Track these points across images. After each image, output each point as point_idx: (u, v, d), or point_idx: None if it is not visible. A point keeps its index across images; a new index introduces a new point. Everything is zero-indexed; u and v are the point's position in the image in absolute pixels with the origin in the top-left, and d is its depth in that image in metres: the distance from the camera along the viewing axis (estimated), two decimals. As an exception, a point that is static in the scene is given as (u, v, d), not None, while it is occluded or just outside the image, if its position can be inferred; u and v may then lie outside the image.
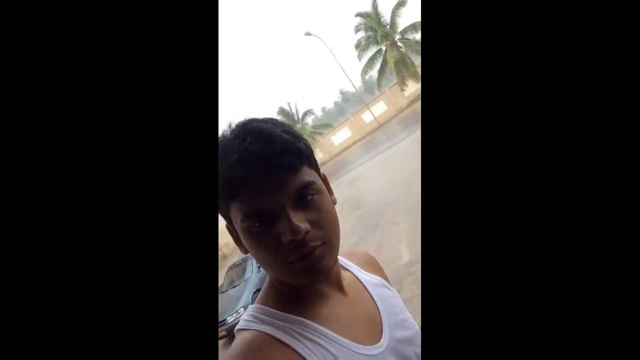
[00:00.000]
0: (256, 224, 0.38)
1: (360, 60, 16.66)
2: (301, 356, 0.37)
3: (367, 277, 0.51)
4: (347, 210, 6.49)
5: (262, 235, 0.38)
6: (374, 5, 15.77)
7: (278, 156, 0.37)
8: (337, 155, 18.25)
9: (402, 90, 16.18)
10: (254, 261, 5.25)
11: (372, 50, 16.36)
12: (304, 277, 0.39)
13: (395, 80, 16.40)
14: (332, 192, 0.44)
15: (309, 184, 0.39)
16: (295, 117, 19.82)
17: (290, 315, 0.40)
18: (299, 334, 0.39)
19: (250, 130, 0.39)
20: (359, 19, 16.32)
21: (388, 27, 15.78)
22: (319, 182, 0.41)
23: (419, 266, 3.02)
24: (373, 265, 0.55)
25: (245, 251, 0.42)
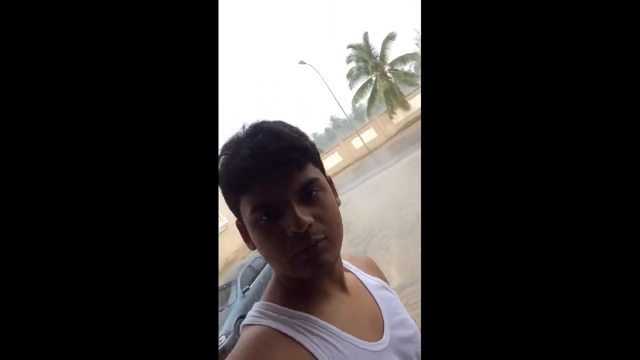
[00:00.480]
0: (263, 217, 0.40)
1: (351, 88, 17.26)
2: (307, 350, 0.38)
3: (369, 280, 0.53)
4: (336, 235, 6.39)
5: (268, 228, 0.40)
6: (365, 38, 16.57)
7: (286, 151, 0.40)
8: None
9: (391, 118, 16.67)
10: (239, 286, 5.07)
11: (363, 79, 17.01)
12: (307, 269, 0.40)
13: (384, 108, 16.93)
14: (337, 194, 0.46)
15: (313, 181, 0.41)
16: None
17: (296, 312, 0.42)
18: (305, 329, 0.40)
19: (262, 128, 0.41)
20: (350, 50, 17.05)
21: (378, 58, 16.51)
22: (324, 180, 0.43)
23: (409, 289, 2.97)
24: (374, 269, 0.57)
25: (253, 247, 0.44)
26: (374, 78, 16.79)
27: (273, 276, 0.47)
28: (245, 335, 0.41)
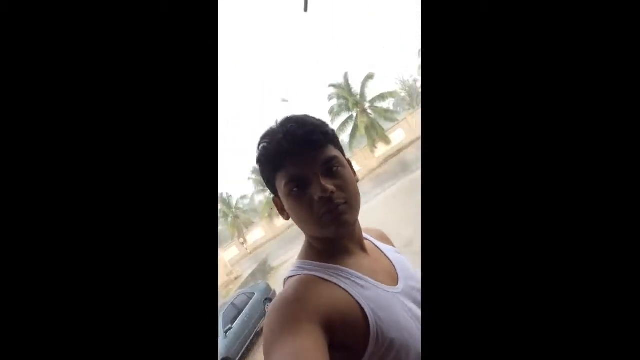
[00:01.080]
0: (295, 189, 0.49)
1: (332, 124, 17.78)
2: (341, 287, 0.48)
3: (383, 245, 0.63)
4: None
5: (299, 196, 0.49)
6: (345, 77, 17.45)
7: (310, 134, 0.49)
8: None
9: (372, 151, 17.18)
10: (221, 325, 4.79)
11: (344, 116, 17.67)
12: (331, 227, 0.49)
13: (365, 143, 17.48)
14: (355, 173, 0.55)
15: (334, 158, 0.51)
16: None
17: (327, 264, 0.51)
18: (336, 274, 0.50)
19: (291, 118, 0.52)
20: (332, 89, 17.85)
21: (358, 96, 17.31)
22: (343, 159, 0.53)
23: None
24: (386, 239, 0.68)
25: (287, 217, 0.54)
26: (354, 114, 17.48)
27: (305, 241, 0.56)
28: (289, 283, 0.50)
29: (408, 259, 0.63)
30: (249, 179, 20.07)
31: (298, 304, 0.44)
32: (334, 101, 17.82)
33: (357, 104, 17.12)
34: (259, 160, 0.52)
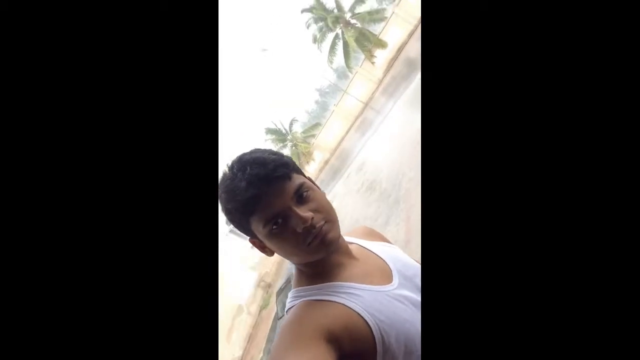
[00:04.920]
0: (274, 227, 0.50)
1: (322, 51, 16.61)
2: (339, 303, 0.49)
3: (370, 244, 0.63)
4: (365, 196, 6.37)
5: (281, 233, 0.50)
6: (315, -4, 15.71)
7: (274, 171, 0.49)
8: (336, 149, 18.22)
9: (372, 62, 16.01)
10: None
11: (330, 37, 16.28)
12: (321, 251, 0.51)
13: (362, 57, 16.25)
14: (318, 187, 0.56)
15: (302, 184, 0.52)
16: (284, 131, 19.87)
17: (319, 284, 0.53)
18: (331, 292, 0.51)
19: (246, 161, 0.51)
20: (306, 14, 16.27)
21: (336, 10, 15.69)
22: (308, 182, 0.54)
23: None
24: (371, 234, 0.69)
25: (271, 253, 0.54)
26: (339, 32, 16.03)
27: (295, 269, 0.57)
28: (289, 314, 0.51)
29: (396, 247, 0.64)
30: (266, 140, 20.06)
31: (299, 327, 0.45)
32: (313, 27, 16.37)
33: (337, 19, 15.60)
34: (227, 211, 0.51)
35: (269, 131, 19.88)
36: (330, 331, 0.44)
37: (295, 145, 19.23)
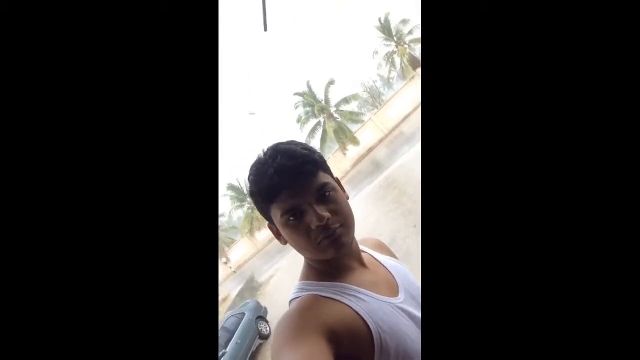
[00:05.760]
0: (291, 218, 0.50)
1: (302, 132, 17.92)
2: (344, 304, 0.49)
3: (380, 256, 0.65)
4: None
5: (296, 226, 0.50)
6: (308, 85, 17.65)
7: (301, 166, 0.50)
8: (291, 223, 18.06)
9: (344, 154, 17.43)
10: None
11: (312, 122, 17.83)
12: (330, 251, 0.51)
13: (336, 146, 17.70)
14: (344, 190, 0.57)
15: (326, 184, 0.52)
16: (245, 191, 19.72)
17: (327, 282, 0.53)
18: (338, 292, 0.51)
19: (279, 150, 0.52)
20: (297, 97, 17.98)
21: (323, 102, 17.55)
22: (333, 182, 0.55)
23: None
24: (383, 248, 0.71)
25: (284, 242, 0.55)
26: (322, 120, 17.68)
27: (304, 262, 0.57)
28: (293, 304, 0.51)
29: (406, 266, 0.66)
30: (224, 195, 19.61)
31: (302, 319, 0.46)
32: (301, 109, 17.96)
33: (322, 109, 17.35)
34: (251, 193, 0.54)
35: (230, 187, 19.65)
36: (332, 329, 0.45)
37: (252, 208, 18.95)
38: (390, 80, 20.12)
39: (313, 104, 17.46)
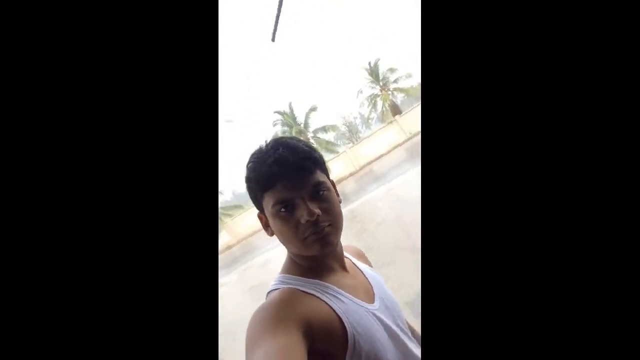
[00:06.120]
0: (282, 209, 0.51)
1: (275, 150, 17.86)
2: (323, 301, 0.50)
3: (360, 264, 0.67)
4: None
5: (286, 218, 0.51)
6: (290, 106, 17.93)
7: (300, 161, 0.52)
8: (244, 239, 17.57)
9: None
10: None
11: (287, 143, 17.89)
12: (315, 247, 0.51)
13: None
14: (338, 194, 0.58)
15: (321, 183, 0.53)
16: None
17: (308, 279, 0.54)
18: (317, 289, 0.52)
19: (281, 142, 0.54)
20: (277, 115, 18.10)
21: (302, 125, 17.82)
22: (329, 183, 0.56)
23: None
24: (362, 256, 0.73)
25: (271, 233, 0.55)
26: (297, 142, 17.84)
27: (287, 256, 0.57)
28: (271, 295, 0.51)
29: (381, 276, 0.69)
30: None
31: (279, 311, 0.46)
32: (279, 127, 18.05)
33: (300, 132, 17.57)
34: (248, 179, 0.54)
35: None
36: (309, 324, 0.45)
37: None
38: (370, 121, 21.05)
39: (292, 125, 17.67)
